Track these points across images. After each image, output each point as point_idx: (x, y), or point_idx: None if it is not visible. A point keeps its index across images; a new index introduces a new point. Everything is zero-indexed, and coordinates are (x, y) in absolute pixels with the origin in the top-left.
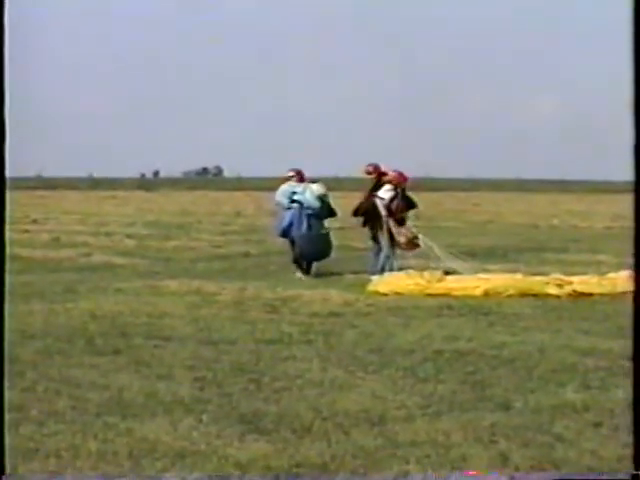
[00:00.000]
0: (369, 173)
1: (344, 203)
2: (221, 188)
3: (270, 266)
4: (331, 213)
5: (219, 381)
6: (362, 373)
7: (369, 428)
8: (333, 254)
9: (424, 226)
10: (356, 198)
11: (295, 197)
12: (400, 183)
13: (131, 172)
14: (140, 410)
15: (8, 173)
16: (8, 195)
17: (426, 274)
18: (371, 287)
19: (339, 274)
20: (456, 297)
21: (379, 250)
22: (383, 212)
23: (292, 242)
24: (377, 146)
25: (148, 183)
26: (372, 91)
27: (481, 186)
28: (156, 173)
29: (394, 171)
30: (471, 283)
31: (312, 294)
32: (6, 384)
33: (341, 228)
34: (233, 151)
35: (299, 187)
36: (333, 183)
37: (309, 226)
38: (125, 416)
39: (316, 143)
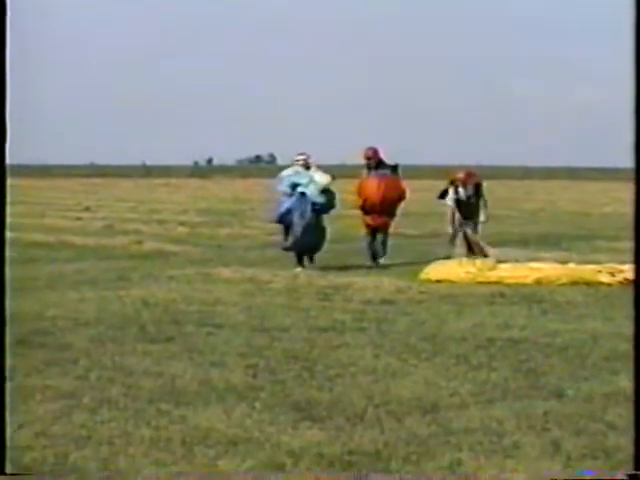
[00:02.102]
0: (368, 158)
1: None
2: (274, 176)
3: (324, 254)
4: (331, 205)
5: (272, 368)
6: (415, 360)
7: (422, 415)
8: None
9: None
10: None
11: (299, 189)
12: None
13: (184, 160)
14: (193, 397)
15: (62, 161)
16: (61, 182)
17: (478, 262)
18: (423, 275)
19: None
20: (508, 285)
21: (373, 239)
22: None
23: (287, 229)
24: (431, 134)
25: (201, 170)
26: (428, 83)
27: (533, 174)
28: (209, 160)
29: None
30: (523, 272)
31: (364, 281)
32: (56, 371)
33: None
34: (286, 139)
35: (304, 177)
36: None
37: (309, 218)
38: (178, 403)
39: (368, 132)
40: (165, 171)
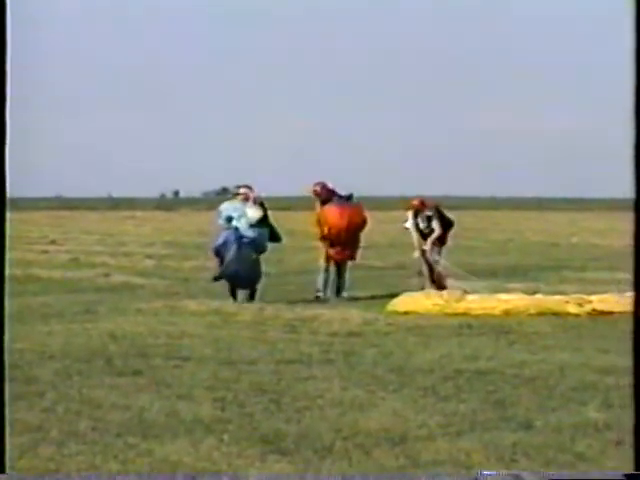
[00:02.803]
0: (317, 194)
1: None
2: None
3: (288, 286)
4: (273, 237)
5: (240, 401)
6: (383, 392)
7: (390, 447)
8: (350, 273)
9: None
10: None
11: (233, 222)
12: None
13: (151, 192)
14: (161, 430)
15: (28, 194)
16: (27, 215)
17: (445, 294)
18: (390, 306)
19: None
20: (476, 316)
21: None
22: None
23: (221, 261)
24: (397, 164)
25: (167, 203)
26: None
27: (501, 205)
28: (176, 193)
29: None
30: (491, 303)
31: (331, 313)
32: (22, 404)
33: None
34: (252, 171)
35: (237, 211)
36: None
37: (239, 251)
38: (146, 436)
39: (338, 163)
40: (131, 203)
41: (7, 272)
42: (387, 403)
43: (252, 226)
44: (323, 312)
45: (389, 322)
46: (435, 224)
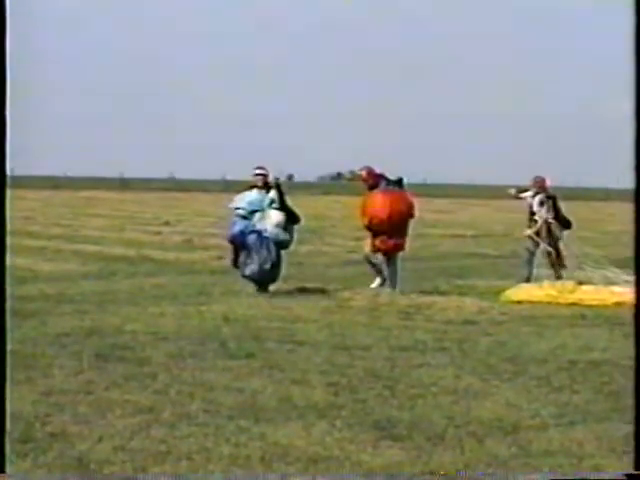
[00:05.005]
0: (364, 180)
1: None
2: (355, 193)
3: (404, 272)
4: (292, 219)
5: (353, 387)
6: (496, 381)
7: (503, 436)
8: (466, 261)
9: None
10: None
11: (255, 220)
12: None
13: None
14: (273, 414)
15: (142, 175)
16: (140, 196)
17: (558, 284)
18: (504, 296)
19: (472, 282)
20: (590, 307)
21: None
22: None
23: (236, 250)
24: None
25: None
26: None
27: (615, 196)
28: (290, 177)
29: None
30: (603, 294)
31: (447, 301)
32: (134, 386)
33: (475, 236)
34: (368, 155)
35: (259, 204)
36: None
37: (269, 254)
38: (258, 420)
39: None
40: (245, 185)
41: (121, 252)
42: (500, 392)
43: (277, 226)
44: (438, 299)
45: (503, 311)
46: (544, 211)
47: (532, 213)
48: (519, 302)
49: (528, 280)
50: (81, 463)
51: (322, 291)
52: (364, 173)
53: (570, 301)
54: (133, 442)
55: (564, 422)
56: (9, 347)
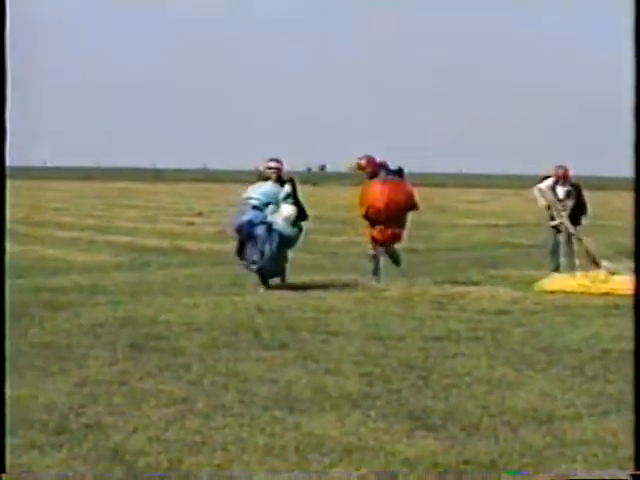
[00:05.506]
0: (361, 168)
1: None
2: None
3: (437, 263)
4: (300, 216)
5: (387, 377)
6: (530, 371)
7: (537, 426)
8: (499, 250)
9: (591, 224)
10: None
11: (268, 212)
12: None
13: (298, 166)
14: (308, 405)
15: (175, 165)
16: (172, 187)
17: (591, 274)
18: (537, 286)
19: (505, 271)
20: (623, 296)
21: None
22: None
23: (241, 242)
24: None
25: (314, 177)
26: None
27: None
28: (322, 167)
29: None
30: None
31: (480, 291)
32: (169, 376)
33: (508, 226)
34: (401, 147)
35: (273, 197)
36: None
37: (277, 249)
38: (293, 410)
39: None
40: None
41: (154, 243)
42: (534, 382)
43: (286, 220)
44: (471, 289)
45: (537, 301)
46: (570, 202)
47: (559, 201)
48: (552, 292)
49: (557, 270)
50: (116, 454)
51: (355, 281)
52: (363, 162)
53: (603, 291)
54: (168, 433)
55: (598, 412)
56: (43, 338)
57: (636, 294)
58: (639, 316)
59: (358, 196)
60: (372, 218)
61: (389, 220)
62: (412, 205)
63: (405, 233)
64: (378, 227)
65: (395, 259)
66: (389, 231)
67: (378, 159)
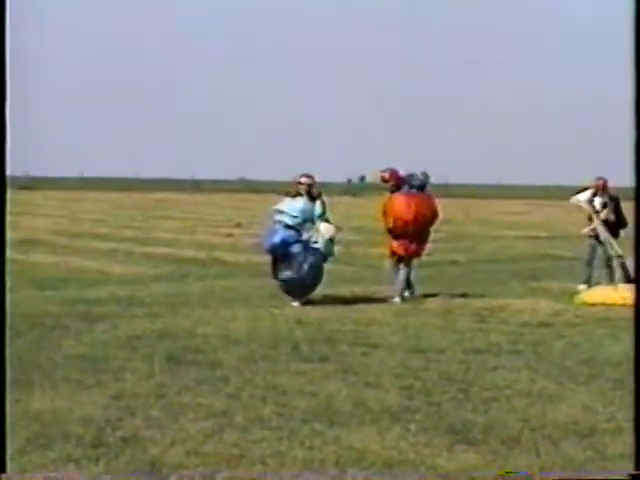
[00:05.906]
0: (385, 181)
1: None
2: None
3: (478, 274)
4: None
5: (427, 390)
6: (571, 384)
7: (578, 440)
8: (540, 263)
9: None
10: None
11: (304, 236)
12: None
13: (338, 177)
14: (347, 418)
15: (214, 176)
16: (210, 197)
17: (633, 287)
18: (579, 298)
19: (546, 284)
20: None
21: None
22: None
23: (275, 261)
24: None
25: (354, 188)
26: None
27: None
28: (362, 178)
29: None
30: None
31: (521, 303)
32: (207, 389)
33: (550, 237)
34: (440, 157)
35: (307, 214)
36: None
37: (317, 268)
38: (332, 424)
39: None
40: (319, 188)
41: (192, 255)
42: (575, 395)
43: (331, 239)
44: (512, 302)
45: (578, 313)
46: (608, 212)
47: (595, 212)
48: (593, 304)
49: (588, 281)
50: (153, 467)
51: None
52: (387, 175)
53: None
54: (206, 446)
55: None
56: (80, 350)
57: (636, 294)
58: (639, 318)
59: (380, 209)
60: (398, 232)
61: (415, 234)
62: (436, 218)
63: (444, 246)
64: (401, 241)
65: (409, 276)
66: (413, 246)
67: (401, 172)
